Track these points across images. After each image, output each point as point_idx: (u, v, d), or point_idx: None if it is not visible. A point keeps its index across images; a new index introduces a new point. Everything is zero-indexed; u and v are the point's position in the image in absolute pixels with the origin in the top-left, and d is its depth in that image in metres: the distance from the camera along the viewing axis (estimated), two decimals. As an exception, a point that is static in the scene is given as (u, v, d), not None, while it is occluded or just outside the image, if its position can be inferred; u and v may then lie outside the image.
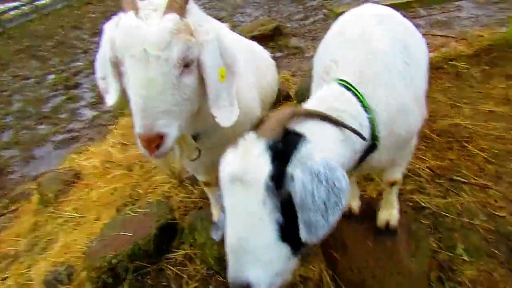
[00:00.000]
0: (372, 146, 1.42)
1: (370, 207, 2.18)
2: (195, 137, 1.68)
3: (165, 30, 1.28)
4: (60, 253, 2.76)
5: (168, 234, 2.50)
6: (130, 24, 1.29)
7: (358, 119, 1.35)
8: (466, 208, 2.37)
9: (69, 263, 2.63)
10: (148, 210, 2.64)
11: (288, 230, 1.07)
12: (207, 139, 1.70)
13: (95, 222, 2.99)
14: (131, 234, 2.40)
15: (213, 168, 1.59)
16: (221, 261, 2.17)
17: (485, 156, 2.74)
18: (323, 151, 1.16)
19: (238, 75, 1.58)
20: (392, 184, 1.91)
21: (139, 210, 2.67)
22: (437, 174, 2.66)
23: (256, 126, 1.20)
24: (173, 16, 1.31)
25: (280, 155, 1.09)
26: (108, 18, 1.50)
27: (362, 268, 1.97)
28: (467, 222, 2.27)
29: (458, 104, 3.35)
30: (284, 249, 1.08)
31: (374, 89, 1.40)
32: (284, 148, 1.10)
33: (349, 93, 1.37)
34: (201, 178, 2.19)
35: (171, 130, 1.34)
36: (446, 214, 2.34)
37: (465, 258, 2.07)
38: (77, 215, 3.13)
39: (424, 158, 2.79)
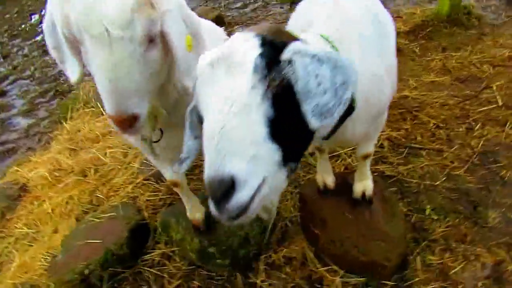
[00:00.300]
0: (350, 108, 1.33)
1: (344, 181, 2.23)
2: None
3: (125, 7, 1.18)
4: (18, 273, 2.50)
5: (140, 236, 2.37)
6: (85, 1, 1.17)
7: None
8: (427, 172, 2.53)
9: (31, 282, 2.40)
10: (114, 213, 2.48)
11: (279, 130, 0.94)
12: (168, 118, 1.62)
13: (53, 235, 2.74)
14: (101, 241, 2.24)
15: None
16: (204, 253, 2.11)
17: (435, 123, 2.94)
18: None
19: (204, 43, 1.55)
20: (365, 157, 1.96)
21: (103, 215, 2.50)
22: (396, 144, 2.80)
23: None
24: None
25: (270, 43, 0.99)
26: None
27: (344, 240, 2.02)
28: (430, 185, 2.43)
29: (403, 77, 3.54)
30: (273, 150, 0.93)
31: (349, 49, 1.36)
32: (274, 40, 1.01)
33: (329, 45, 1.32)
34: (169, 176, 2.07)
35: (143, 108, 1.30)
36: (410, 180, 2.48)
37: (434, 217, 2.21)
38: (30, 230, 2.86)
39: (383, 130, 2.92)
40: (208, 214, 2.15)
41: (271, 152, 0.93)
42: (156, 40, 1.30)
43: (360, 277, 1.99)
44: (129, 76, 1.22)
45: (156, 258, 2.28)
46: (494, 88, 3.17)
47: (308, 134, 1.04)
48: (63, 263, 2.19)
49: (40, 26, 10.03)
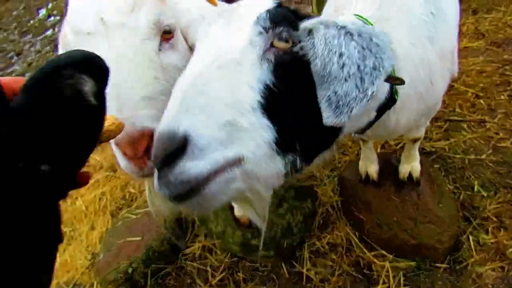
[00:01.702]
0: (391, 100, 1.16)
1: (387, 162, 2.13)
2: None
3: None
4: (60, 273, 2.52)
5: (179, 230, 2.34)
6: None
7: None
8: (470, 145, 2.39)
9: (74, 281, 2.42)
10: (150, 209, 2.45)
11: (279, 105, 0.74)
12: None
13: (90, 232, 2.75)
14: (140, 238, 2.22)
15: None
16: (247, 246, 2.07)
17: (474, 92, 2.77)
18: None
19: None
20: (415, 140, 1.84)
21: (139, 210, 2.48)
22: (434, 117, 2.66)
23: None
24: None
25: (289, 9, 0.84)
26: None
27: (391, 223, 1.94)
28: (475, 159, 2.30)
29: (434, 45, 3.35)
30: (263, 127, 0.72)
31: (394, 29, 1.20)
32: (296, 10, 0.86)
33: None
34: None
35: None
36: (453, 155, 2.35)
37: (483, 193, 2.10)
38: (67, 228, 2.87)
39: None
40: None
41: (260, 128, 0.72)
42: (175, 43, 1.14)
43: (411, 261, 1.92)
44: (135, 76, 0.97)
45: (197, 252, 2.26)
46: (535, 50, 2.98)
47: (323, 126, 0.78)
48: (105, 262, 2.18)
49: (48, 20, 9.98)
